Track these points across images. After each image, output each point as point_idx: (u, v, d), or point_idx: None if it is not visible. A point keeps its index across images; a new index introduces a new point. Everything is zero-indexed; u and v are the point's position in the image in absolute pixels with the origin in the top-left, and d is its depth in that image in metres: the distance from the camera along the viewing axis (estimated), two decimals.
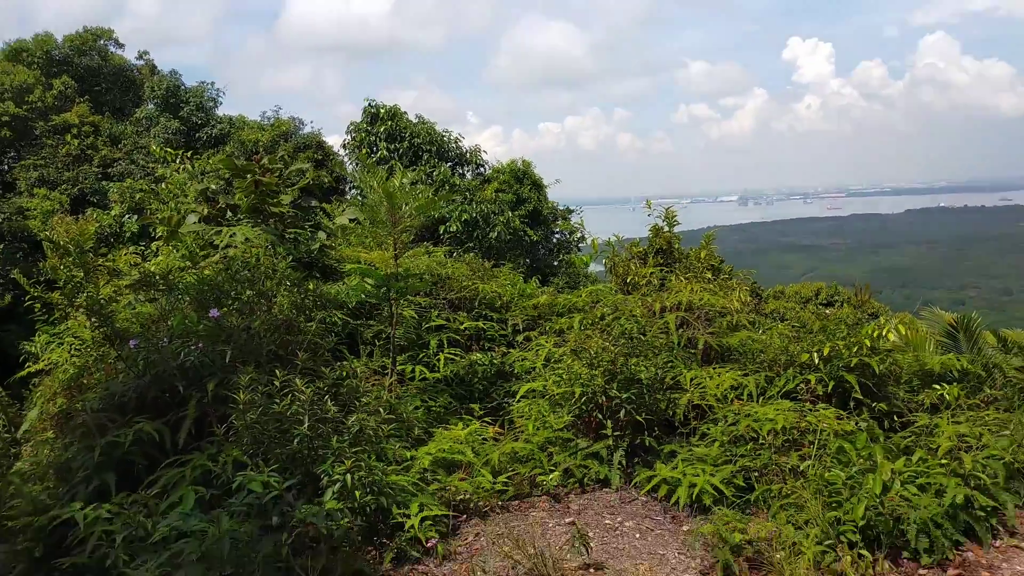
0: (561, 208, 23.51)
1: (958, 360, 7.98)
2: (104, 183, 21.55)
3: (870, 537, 4.38)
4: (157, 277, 6.90)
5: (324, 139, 23.66)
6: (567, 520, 5.21)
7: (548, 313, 9.14)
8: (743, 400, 6.57)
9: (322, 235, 9.33)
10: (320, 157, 21.09)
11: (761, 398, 6.62)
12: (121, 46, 30.95)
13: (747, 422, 5.89)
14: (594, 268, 19.92)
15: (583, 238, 22.32)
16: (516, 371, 7.99)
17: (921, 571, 4.23)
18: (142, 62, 31.17)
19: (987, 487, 4.83)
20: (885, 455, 5.23)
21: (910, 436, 5.77)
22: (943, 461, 5.02)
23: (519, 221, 20.67)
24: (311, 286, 7.21)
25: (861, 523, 4.32)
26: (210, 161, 11.52)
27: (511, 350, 8.49)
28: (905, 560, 4.31)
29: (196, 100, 25.91)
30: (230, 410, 5.08)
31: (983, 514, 4.69)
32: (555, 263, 22.58)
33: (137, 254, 11.69)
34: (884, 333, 7.28)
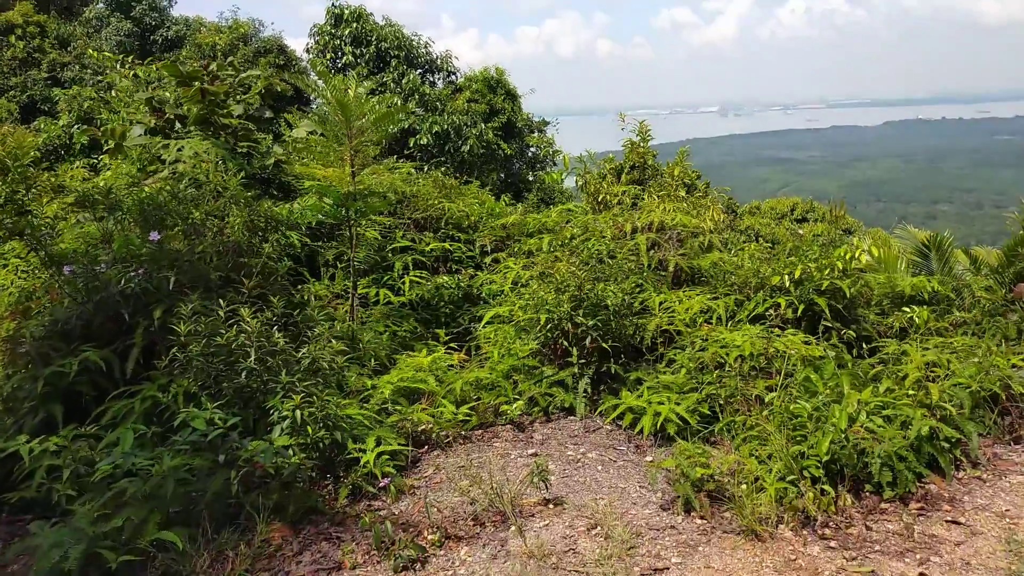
0: (537, 120, 22.81)
1: (928, 282, 7.90)
2: (55, 90, 20.36)
3: (833, 471, 4.32)
4: (97, 195, 6.45)
5: (287, 42, 22.44)
6: (530, 452, 5.12)
7: (517, 233, 8.86)
8: (712, 324, 6.43)
9: (278, 149, 8.83)
10: (282, 62, 20.04)
11: (730, 322, 6.49)
12: None
13: (714, 348, 5.76)
14: (569, 184, 19.52)
15: (558, 152, 21.78)
16: (484, 294, 7.78)
17: (883, 505, 4.19)
18: None
19: (952, 418, 4.78)
20: (852, 384, 5.15)
21: (878, 363, 5.70)
22: (910, 391, 4.95)
23: (492, 134, 20.01)
24: (264, 205, 6.82)
25: (825, 458, 4.25)
26: (154, 66, 10.77)
27: (479, 272, 8.26)
28: (867, 494, 4.27)
29: None
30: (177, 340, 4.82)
31: (947, 445, 4.65)
32: (530, 178, 22.09)
33: (88, 168, 11.10)
34: (857, 255, 7.13)
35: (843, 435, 4.31)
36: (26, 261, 7.44)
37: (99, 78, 19.82)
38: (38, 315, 5.98)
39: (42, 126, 13.73)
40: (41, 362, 5.23)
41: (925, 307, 7.14)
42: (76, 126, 13.04)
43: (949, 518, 4.08)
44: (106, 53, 11.47)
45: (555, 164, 22.41)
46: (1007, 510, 4.18)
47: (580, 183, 9.87)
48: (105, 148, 9.96)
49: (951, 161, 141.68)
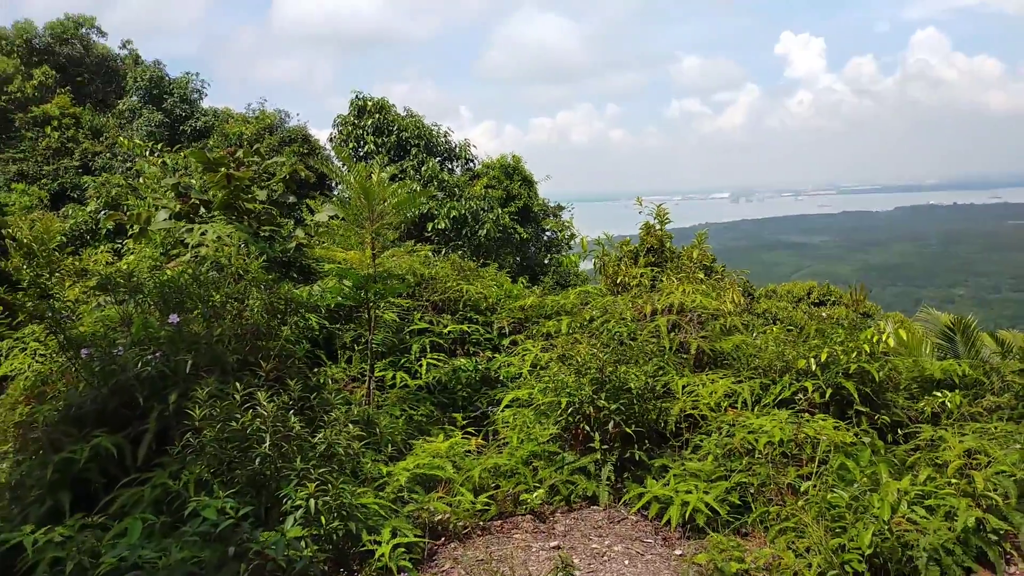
0: (552, 205, 23.16)
1: (958, 365, 7.71)
2: (84, 177, 21.03)
3: (876, 565, 4.07)
4: (118, 278, 6.49)
5: (311, 132, 23.22)
6: (552, 544, 4.88)
7: (535, 315, 8.80)
8: (737, 409, 6.25)
9: (300, 233, 8.94)
10: (306, 151, 20.67)
11: (756, 406, 6.31)
12: (104, 35, 30.41)
13: (742, 433, 5.57)
14: (585, 267, 19.61)
15: (573, 236, 21.99)
16: (502, 377, 7.66)
17: None
18: (126, 52, 30.62)
19: (999, 508, 4.53)
20: (889, 472, 4.94)
21: (914, 450, 5.47)
22: (952, 480, 4.71)
23: (509, 218, 20.31)
24: (284, 288, 6.83)
25: (868, 551, 4.01)
26: (182, 154, 11.09)
27: (496, 355, 8.15)
28: None
29: (180, 91, 25.38)
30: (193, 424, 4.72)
31: (995, 538, 4.38)
32: (545, 261, 22.24)
33: (112, 252, 11.29)
34: (884, 338, 6.99)
35: (885, 526, 4.07)
36: (45, 345, 7.45)
37: (128, 166, 20.48)
38: (52, 400, 5.92)
39: (70, 212, 14.08)
40: (52, 448, 5.12)
41: (957, 391, 6.94)
42: (103, 212, 13.38)
43: None
44: (136, 141, 11.85)
45: (570, 248, 22.59)
46: None
47: (598, 265, 9.88)
48: (130, 233, 10.15)
49: (965, 245, 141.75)
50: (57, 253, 8.08)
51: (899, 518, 4.19)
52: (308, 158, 20.86)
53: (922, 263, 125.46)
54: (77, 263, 8.93)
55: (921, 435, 5.71)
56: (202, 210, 8.76)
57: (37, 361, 7.43)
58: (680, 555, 4.64)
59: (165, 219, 8.37)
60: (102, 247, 12.29)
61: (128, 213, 9.20)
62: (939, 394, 6.89)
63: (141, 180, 12.27)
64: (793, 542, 4.27)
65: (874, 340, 6.77)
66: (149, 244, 8.12)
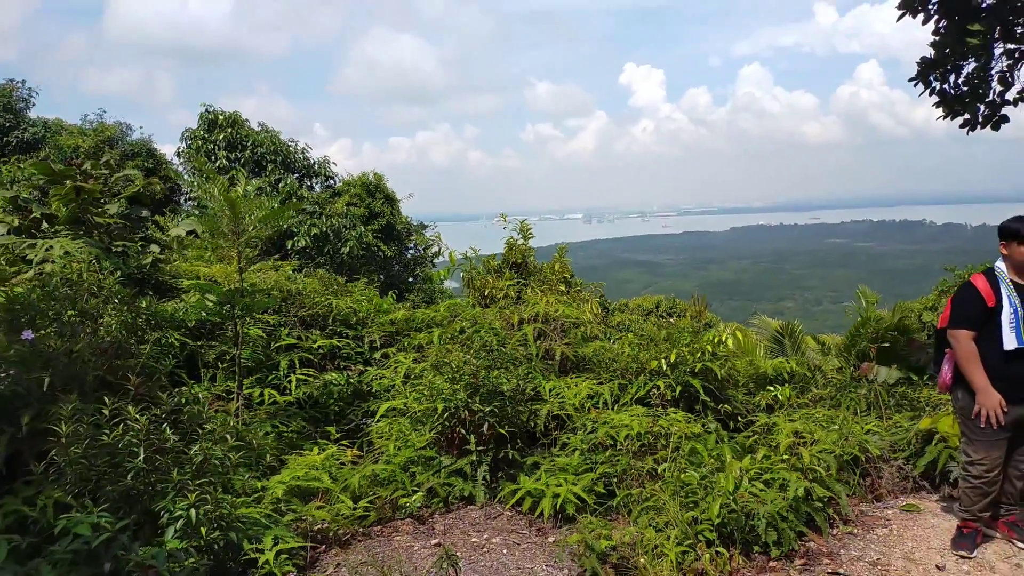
0: (415, 223, 23.29)
1: (787, 363, 8.69)
2: None
3: (725, 534, 4.58)
4: None
5: (156, 147, 21.96)
6: (433, 542, 5.05)
7: (406, 328, 8.93)
8: (600, 408, 6.73)
9: (155, 248, 8.57)
10: (151, 165, 19.51)
11: (616, 405, 6.82)
12: None
13: (604, 429, 6.02)
14: (449, 284, 19.83)
15: (439, 253, 22.20)
16: (374, 389, 7.72)
17: (772, 563, 4.48)
18: None
19: (823, 479, 5.23)
20: (733, 454, 5.55)
21: (752, 435, 6.15)
22: (784, 457, 5.38)
23: (372, 236, 20.22)
24: (144, 304, 6.57)
25: (717, 521, 4.52)
26: (21, 166, 10.27)
27: (368, 368, 8.20)
28: (756, 554, 4.55)
29: (3, 100, 23.18)
30: (50, 446, 4.47)
31: (821, 504, 5.05)
32: (410, 279, 22.30)
33: None
34: (724, 339, 7.76)
35: (731, 499, 4.61)
36: None
37: None
38: None
39: None
40: None
41: (787, 385, 7.85)
42: None
43: (830, 570, 4.41)
44: None
45: (434, 266, 22.79)
46: (878, 559, 4.57)
47: (466, 279, 10.17)
48: None
49: (791, 262, 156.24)
50: None
51: (742, 492, 4.74)
52: (153, 173, 19.72)
53: (755, 279, 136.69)
54: None
55: (758, 423, 6.42)
56: (44, 225, 8.19)
57: None
58: (553, 541, 4.97)
59: (3, 234, 7.75)
60: None
61: None
62: (772, 389, 7.77)
63: None
64: (654, 519, 4.71)
65: (715, 342, 7.50)
66: None
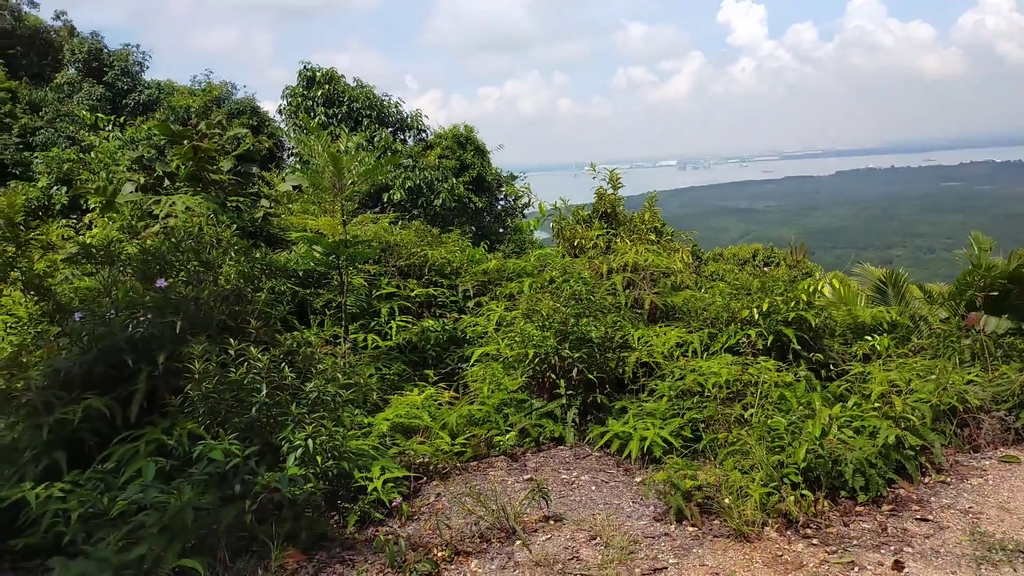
0: (505, 174, 23.48)
1: (887, 313, 8.43)
2: (27, 153, 20.45)
3: (811, 478, 4.66)
4: (96, 249, 6.66)
5: (259, 104, 22.98)
6: (525, 477, 5.37)
7: (498, 278, 9.21)
8: (688, 356, 6.81)
9: (265, 203, 9.14)
10: (255, 123, 20.52)
11: (705, 354, 6.87)
12: (35, 5, 29.24)
13: (693, 376, 6.12)
14: (539, 235, 20.02)
15: (528, 204, 22.38)
16: (468, 336, 8.07)
17: (858, 508, 4.53)
18: (60, 23, 29.54)
19: (916, 428, 5.17)
20: (823, 402, 5.55)
21: (845, 384, 6.11)
22: (876, 405, 5.34)
23: (463, 188, 20.59)
24: (258, 255, 7.10)
25: (803, 465, 4.59)
26: (144, 127, 11.08)
27: (463, 316, 8.55)
28: (843, 498, 4.61)
29: (121, 64, 24.74)
30: (183, 382, 5.01)
31: (912, 453, 5.03)
32: (501, 230, 22.62)
33: (69, 227, 11.25)
34: (819, 288, 7.62)
35: (818, 444, 4.66)
36: (15, 317, 7.53)
37: (71, 140, 20.00)
38: (35, 367, 6.10)
39: (20, 188, 13.86)
40: (44, 410, 5.34)
41: (885, 336, 7.64)
42: (55, 187, 13.20)
43: (918, 516, 4.43)
44: (97, 114, 11.73)
45: (524, 216, 22.99)
46: (970, 507, 4.54)
47: (556, 229, 10.32)
48: (89, 207, 10.17)
49: (902, 208, 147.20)
50: (21, 228, 8.11)
51: (830, 438, 4.78)
52: (258, 130, 20.69)
53: (862, 226, 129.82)
54: (42, 237, 8.96)
55: (851, 372, 6.35)
56: (166, 182, 8.88)
57: (9, 333, 7.54)
58: (640, 480, 5.18)
59: (132, 191, 8.48)
60: (58, 222, 12.19)
61: (93, 186, 9.23)
62: (869, 339, 7.59)
63: (93, 154, 12.18)
64: (739, 462, 4.83)
65: (811, 291, 7.39)
66: (118, 216, 8.23)
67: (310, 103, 21.30)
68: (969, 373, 6.38)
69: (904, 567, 3.80)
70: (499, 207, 23.68)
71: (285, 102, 21.89)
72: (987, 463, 5.29)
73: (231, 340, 5.23)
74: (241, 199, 8.92)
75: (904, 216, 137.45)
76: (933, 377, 5.89)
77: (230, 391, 4.82)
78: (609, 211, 11.06)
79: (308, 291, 8.18)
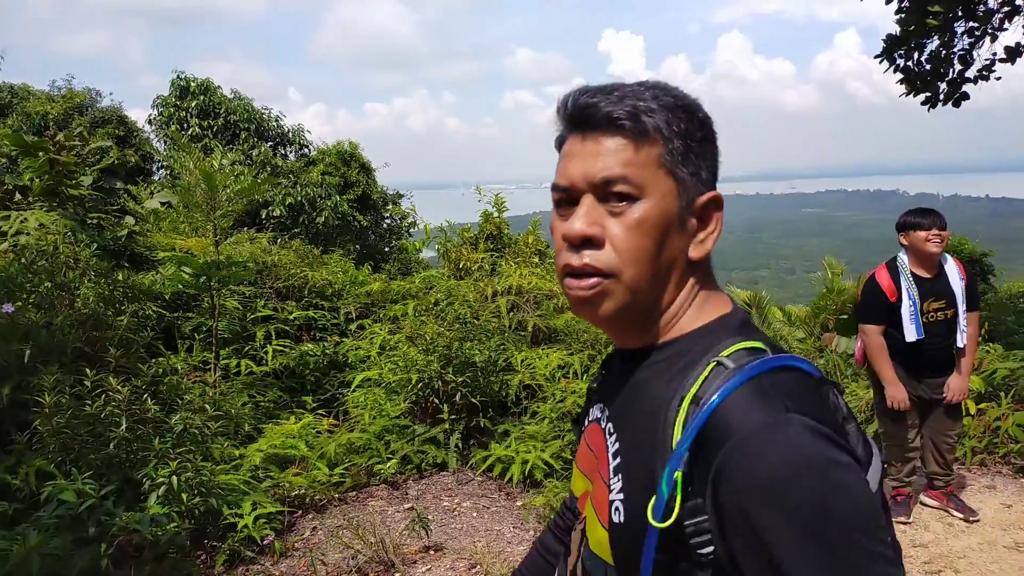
0: (391, 192, 23.25)
1: None
2: None
3: None
4: None
5: (126, 113, 21.60)
6: (406, 506, 5.29)
7: (382, 300, 9.08)
8: (570, 378, 6.97)
9: (130, 220, 8.59)
10: (122, 133, 19.21)
11: (585, 375, 7.06)
12: None
13: (573, 398, 6.27)
14: (426, 254, 19.92)
15: (414, 223, 22.23)
16: (350, 360, 7.89)
17: None
18: None
19: None
20: None
21: None
22: None
23: (347, 205, 20.18)
24: (121, 276, 6.65)
25: None
26: None
27: (344, 339, 8.36)
28: None
29: None
30: (31, 416, 4.61)
31: None
32: (387, 249, 22.32)
33: None
34: None
35: None
36: None
37: None
38: None
39: None
40: None
41: None
42: None
43: None
44: None
45: (411, 236, 22.80)
46: None
47: (441, 251, 10.32)
48: None
49: (766, 232, 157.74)
50: None
51: None
52: (124, 142, 19.45)
53: (730, 249, 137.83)
54: None
55: None
56: (17, 196, 8.16)
57: None
58: (521, 505, 5.22)
59: None
60: None
61: None
62: None
63: None
64: None
65: None
66: None
67: (183, 114, 20.25)
68: None
69: None
70: (385, 225, 23.35)
71: (156, 112, 20.72)
72: None
73: (87, 369, 4.86)
74: (103, 216, 8.34)
75: (769, 240, 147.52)
76: None
77: (85, 425, 4.47)
78: (495, 232, 11.20)
79: (176, 314, 7.74)
